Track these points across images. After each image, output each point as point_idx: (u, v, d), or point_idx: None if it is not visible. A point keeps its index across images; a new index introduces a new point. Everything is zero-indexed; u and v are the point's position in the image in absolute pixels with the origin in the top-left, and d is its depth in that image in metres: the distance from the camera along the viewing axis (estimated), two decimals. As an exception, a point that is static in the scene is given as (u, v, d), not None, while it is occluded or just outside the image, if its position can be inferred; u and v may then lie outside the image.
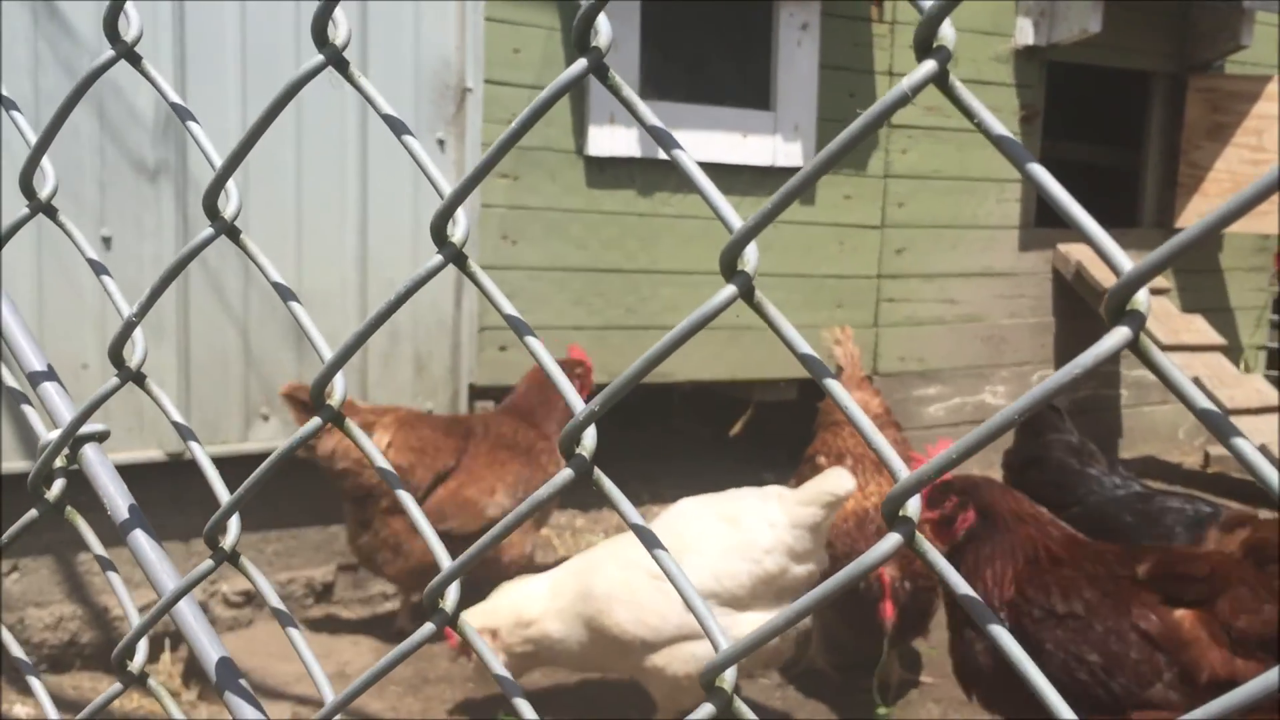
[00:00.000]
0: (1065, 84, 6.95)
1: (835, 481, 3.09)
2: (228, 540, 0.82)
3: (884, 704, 3.57)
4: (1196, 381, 5.80)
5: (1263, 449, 5.51)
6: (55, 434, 0.92)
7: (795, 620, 0.62)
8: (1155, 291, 6.44)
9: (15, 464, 3.86)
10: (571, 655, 3.22)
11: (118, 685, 0.90)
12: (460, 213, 0.75)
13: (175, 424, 0.87)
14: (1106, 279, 6.32)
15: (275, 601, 0.84)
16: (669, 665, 3.07)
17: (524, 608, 3.21)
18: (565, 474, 0.70)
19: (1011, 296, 6.48)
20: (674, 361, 5.48)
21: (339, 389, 0.79)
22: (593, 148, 5.14)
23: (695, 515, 3.18)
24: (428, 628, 0.76)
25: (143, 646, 0.89)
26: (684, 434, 6.78)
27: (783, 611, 0.63)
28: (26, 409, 0.97)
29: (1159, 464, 6.75)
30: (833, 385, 0.63)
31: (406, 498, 0.79)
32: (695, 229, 5.45)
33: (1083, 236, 0.58)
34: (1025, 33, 6.25)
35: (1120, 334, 0.56)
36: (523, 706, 0.77)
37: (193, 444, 0.87)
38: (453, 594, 0.76)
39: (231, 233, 0.86)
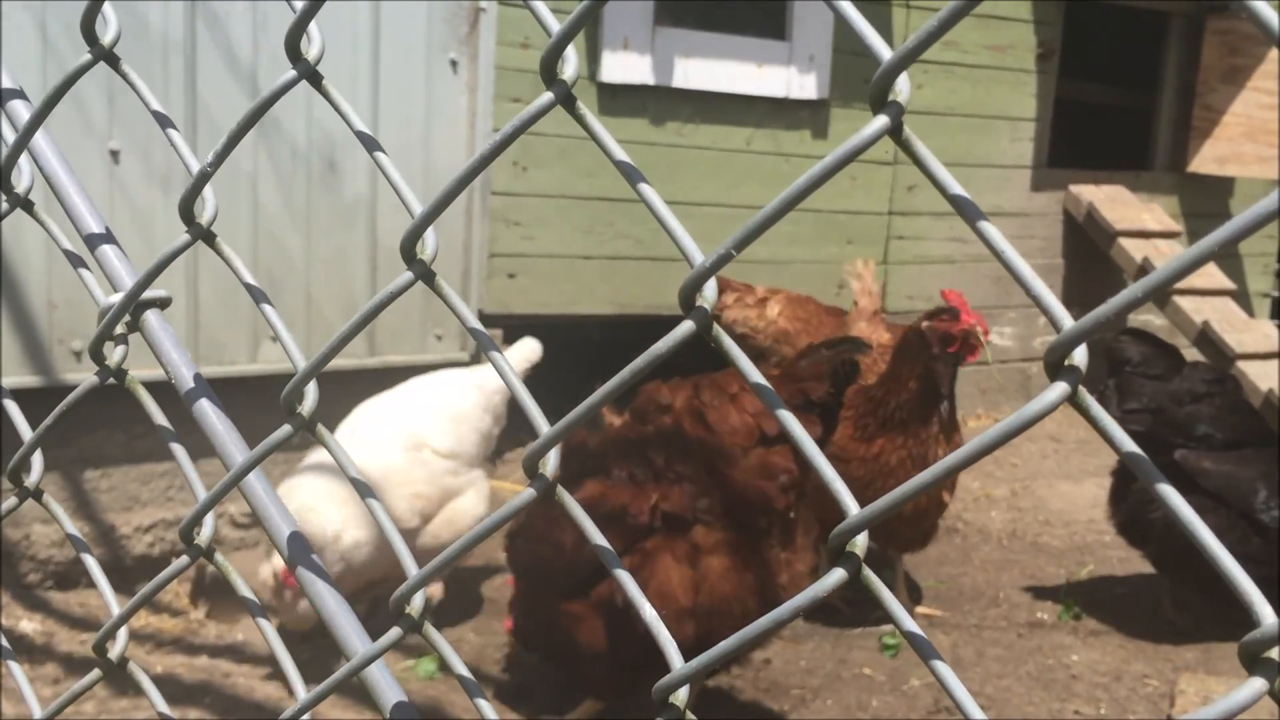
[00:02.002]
0: (1083, 22, 6.84)
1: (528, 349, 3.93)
2: (306, 406, 0.78)
3: (890, 638, 3.57)
4: (1206, 325, 5.79)
5: (1270, 393, 5.50)
6: (116, 297, 0.88)
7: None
8: (1167, 235, 6.40)
9: (17, 378, 3.81)
10: (374, 561, 3.41)
11: (184, 559, 0.86)
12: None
13: (247, 285, 0.83)
14: (1118, 220, 6.28)
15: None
16: (441, 534, 3.47)
17: (324, 527, 3.33)
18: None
19: (1022, 237, 6.42)
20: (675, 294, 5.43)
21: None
22: (605, 74, 5.05)
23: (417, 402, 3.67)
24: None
25: (209, 520, 0.85)
26: (685, 368, 6.75)
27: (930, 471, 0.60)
28: (84, 273, 0.93)
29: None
30: (985, 227, 0.59)
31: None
32: (708, 161, 5.38)
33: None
34: (1045, -32, 6.14)
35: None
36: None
37: (265, 306, 0.83)
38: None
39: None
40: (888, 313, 6.00)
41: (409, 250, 0.77)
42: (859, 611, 3.78)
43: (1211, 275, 6.32)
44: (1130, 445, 0.57)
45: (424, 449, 3.52)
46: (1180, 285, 6.05)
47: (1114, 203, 6.44)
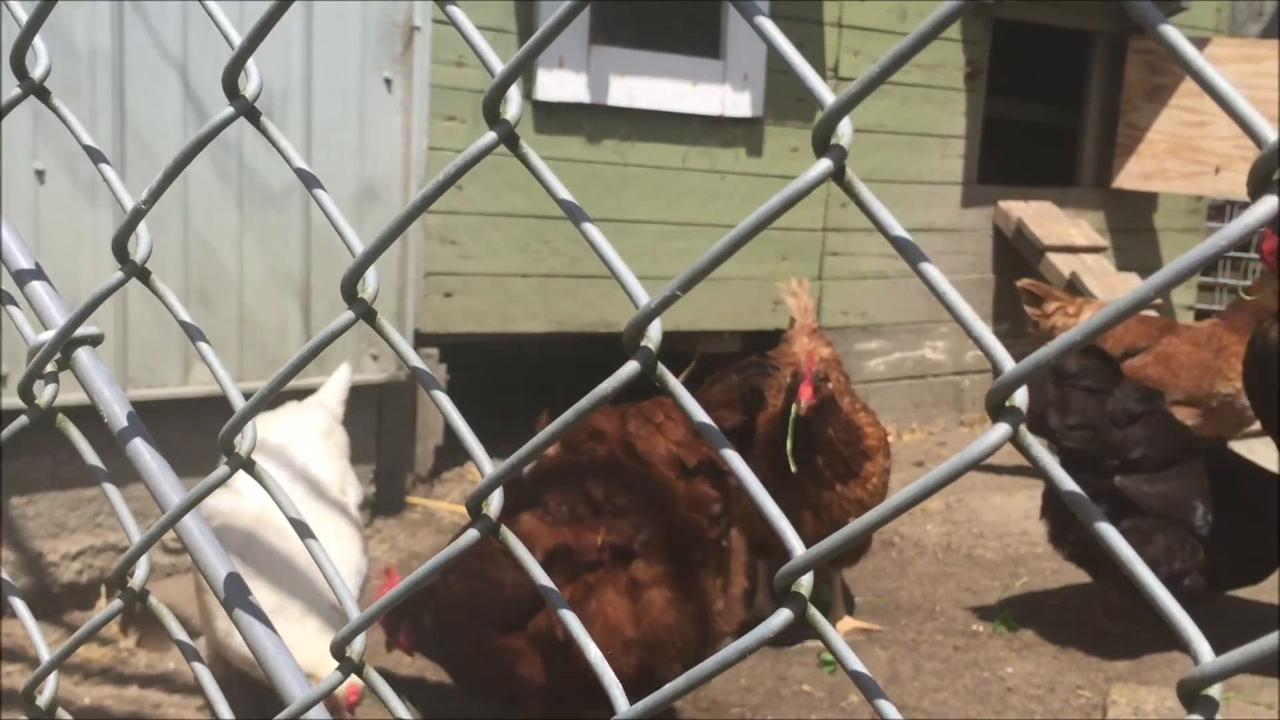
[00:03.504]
0: (1010, 42, 6.98)
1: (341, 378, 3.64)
2: (245, 445, 0.77)
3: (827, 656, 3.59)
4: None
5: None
6: (47, 335, 0.86)
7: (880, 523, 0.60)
8: (1093, 250, 6.53)
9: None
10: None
11: (117, 603, 0.84)
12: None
13: (183, 323, 0.82)
14: (1047, 236, 6.40)
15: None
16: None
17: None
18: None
19: (953, 252, 6.52)
20: (619, 313, 5.44)
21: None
22: (540, 92, 5.05)
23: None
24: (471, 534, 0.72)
25: (144, 563, 0.83)
26: (628, 387, 6.75)
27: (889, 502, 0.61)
28: (13, 310, 0.91)
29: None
30: (928, 269, 0.59)
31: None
32: (645, 179, 5.40)
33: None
34: (973, -12, 6.24)
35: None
36: None
37: (201, 345, 0.81)
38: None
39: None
40: (823, 329, 6.05)
41: (350, 290, 0.76)
42: (798, 628, 3.79)
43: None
44: (1070, 485, 0.58)
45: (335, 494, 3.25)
46: (1107, 298, 6.18)
47: (1042, 218, 6.56)
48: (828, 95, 0.61)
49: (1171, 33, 0.53)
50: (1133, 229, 7.28)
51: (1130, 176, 6.99)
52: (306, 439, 3.23)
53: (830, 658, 3.57)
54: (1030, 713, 3.27)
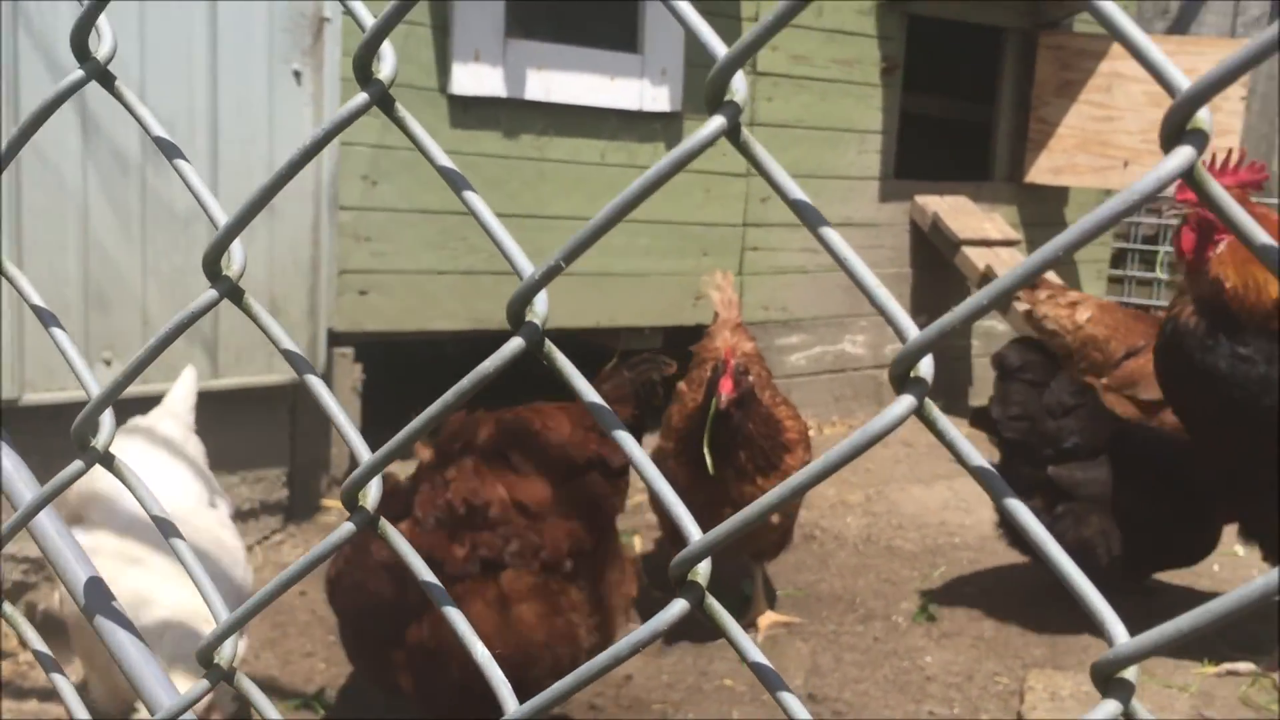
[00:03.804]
0: (925, 38, 7.04)
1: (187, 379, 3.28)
2: (101, 439, 0.71)
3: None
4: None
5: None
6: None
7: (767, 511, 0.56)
8: (1007, 244, 6.62)
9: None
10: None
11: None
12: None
13: (34, 307, 0.75)
14: (962, 230, 6.47)
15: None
16: None
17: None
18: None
19: (871, 247, 6.56)
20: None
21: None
22: (456, 86, 4.97)
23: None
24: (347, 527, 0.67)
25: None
26: (546, 385, 6.70)
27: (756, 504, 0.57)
28: None
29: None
30: (827, 233, 0.56)
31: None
32: (564, 174, 5.35)
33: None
34: (888, -16, 6.30)
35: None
36: None
37: (55, 330, 0.75)
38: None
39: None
40: (745, 323, 6.05)
41: (212, 266, 0.70)
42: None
43: (1049, 283, 6.56)
44: (977, 459, 0.55)
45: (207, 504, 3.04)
46: (1020, 292, 6.27)
47: (957, 213, 6.63)
48: (720, 48, 0.57)
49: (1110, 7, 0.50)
50: (1045, 223, 7.39)
51: (1042, 171, 7.10)
52: (159, 453, 2.96)
53: (752, 652, 3.55)
54: (949, 701, 3.28)
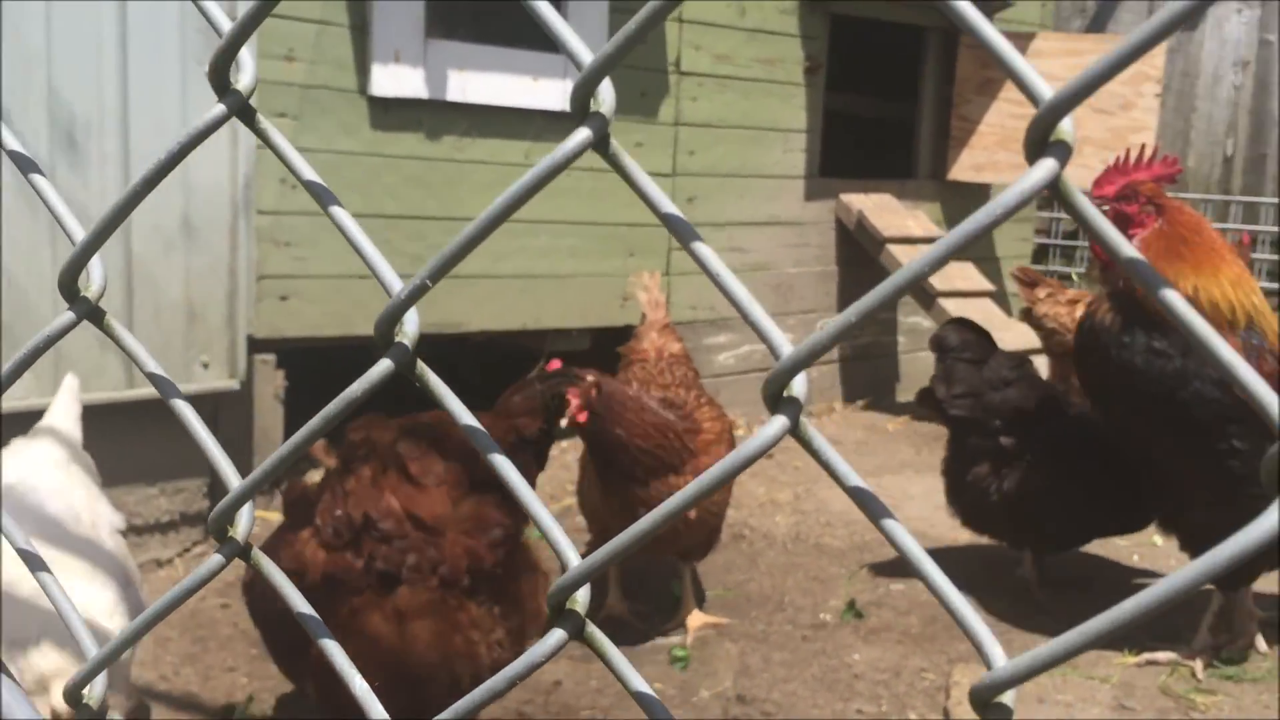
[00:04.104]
0: (847, 37, 7.10)
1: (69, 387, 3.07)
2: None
3: (681, 648, 3.57)
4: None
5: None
6: None
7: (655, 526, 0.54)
8: (930, 240, 6.69)
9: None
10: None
11: None
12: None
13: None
14: (886, 228, 6.53)
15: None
16: None
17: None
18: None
19: (797, 245, 6.60)
20: (465, 312, 5.34)
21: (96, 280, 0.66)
22: (376, 87, 4.91)
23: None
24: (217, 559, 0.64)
25: None
26: (475, 388, 6.64)
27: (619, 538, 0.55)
28: None
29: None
30: (700, 248, 0.54)
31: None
32: (487, 175, 5.30)
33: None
34: (810, -16, 6.33)
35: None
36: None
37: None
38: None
39: None
40: (673, 323, 6.05)
41: (69, 286, 0.67)
42: (649, 626, 3.77)
43: (971, 278, 6.65)
44: (854, 480, 0.54)
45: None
46: (943, 288, 6.35)
47: (882, 210, 6.69)
48: (585, 56, 0.55)
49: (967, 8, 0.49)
50: (1012, 185, 7.47)
51: (963, 168, 7.19)
52: (40, 475, 2.76)
53: (681, 653, 3.54)
54: (876, 698, 3.30)
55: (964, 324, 4.17)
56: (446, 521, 2.36)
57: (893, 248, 6.46)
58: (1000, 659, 0.50)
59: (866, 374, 7.08)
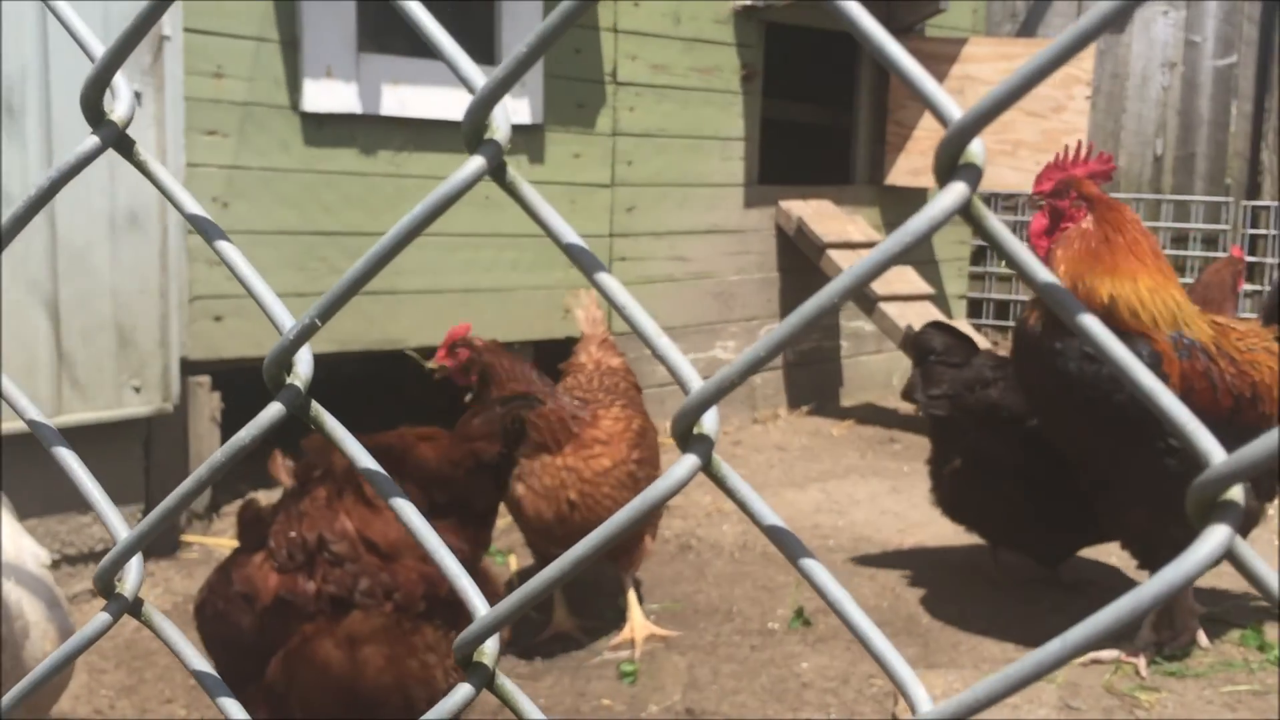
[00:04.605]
0: (783, 45, 7.13)
1: None
2: None
3: (630, 661, 3.54)
4: (910, 329, 6.10)
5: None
6: None
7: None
8: (869, 245, 6.72)
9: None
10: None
11: None
12: None
13: None
14: (826, 234, 6.55)
15: None
16: None
17: None
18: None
19: (738, 253, 6.61)
20: (405, 329, 5.28)
21: None
22: (308, 103, 4.84)
23: None
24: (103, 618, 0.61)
25: None
26: (418, 404, 6.56)
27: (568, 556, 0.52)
28: None
29: (877, 409, 7.08)
30: (604, 279, 0.52)
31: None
32: (425, 190, 5.25)
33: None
34: (744, -8, 6.35)
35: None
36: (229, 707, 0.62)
37: None
38: (132, 575, 0.61)
39: None
40: (614, 334, 6.03)
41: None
42: (596, 640, 3.73)
43: (912, 282, 6.69)
44: (771, 518, 0.52)
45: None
46: (884, 292, 6.38)
47: (821, 216, 6.72)
48: (478, 79, 0.53)
49: (855, 9, 0.47)
50: (921, 210, 7.53)
51: (901, 173, 7.24)
52: None
53: (629, 668, 3.51)
54: (825, 706, 3.29)
55: (943, 328, 4.25)
56: (401, 546, 2.32)
57: (833, 253, 6.49)
58: (925, 702, 0.48)
59: (811, 379, 7.10)
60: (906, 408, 7.12)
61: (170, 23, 4.32)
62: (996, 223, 0.45)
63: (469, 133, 0.53)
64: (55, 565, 4.12)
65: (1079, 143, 3.54)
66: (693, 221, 6.37)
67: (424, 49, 5.10)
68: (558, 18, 0.50)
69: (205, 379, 4.70)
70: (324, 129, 4.95)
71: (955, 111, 0.44)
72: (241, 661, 2.38)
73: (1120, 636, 3.50)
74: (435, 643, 2.34)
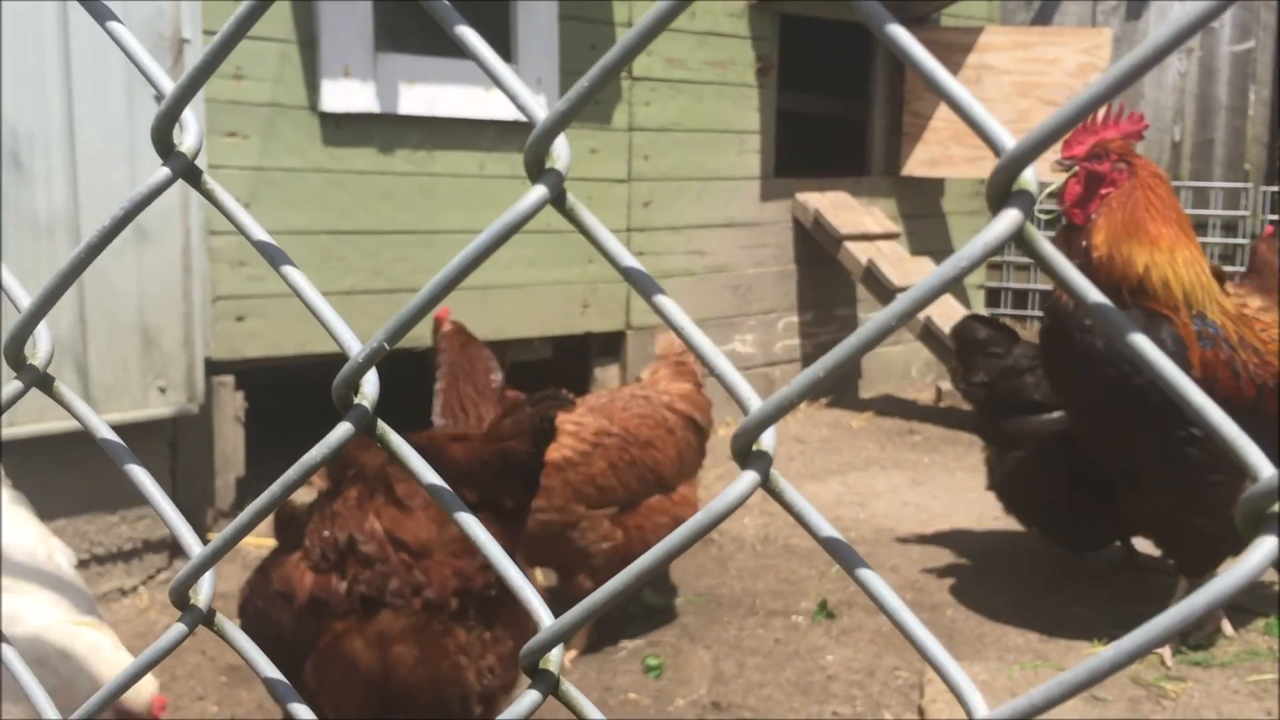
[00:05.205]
0: (798, 37, 7.12)
1: None
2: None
3: (656, 658, 3.56)
4: (929, 320, 6.10)
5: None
6: None
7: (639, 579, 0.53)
8: (887, 237, 6.73)
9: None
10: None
11: None
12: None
13: None
14: (843, 225, 6.55)
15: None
16: None
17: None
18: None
19: (755, 246, 6.61)
20: (426, 324, 5.30)
21: (43, 347, 0.64)
22: (327, 103, 4.86)
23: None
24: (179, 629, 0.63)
25: None
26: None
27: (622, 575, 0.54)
28: None
29: (896, 400, 7.08)
30: (663, 301, 0.53)
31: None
32: (444, 188, 5.28)
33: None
34: (758, -15, 6.35)
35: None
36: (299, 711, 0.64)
37: None
38: (205, 588, 0.63)
39: None
40: (632, 328, 6.05)
41: (16, 354, 0.65)
42: (621, 635, 3.75)
43: (930, 272, 6.68)
44: (827, 530, 0.53)
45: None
46: (902, 283, 6.37)
47: (838, 208, 6.72)
48: (539, 113, 0.54)
49: (903, 37, 0.49)
50: (923, 214, 7.53)
51: (917, 164, 7.23)
52: None
53: (655, 661, 3.54)
54: (851, 699, 3.31)
55: (985, 321, 4.35)
56: (432, 544, 2.34)
57: (850, 245, 6.49)
58: (980, 708, 0.50)
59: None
60: (926, 399, 7.14)
61: (190, 25, 4.35)
62: (1049, 247, 0.46)
63: (531, 162, 0.54)
64: (84, 564, 4.17)
65: (1109, 105, 3.45)
66: (709, 215, 6.38)
67: (440, 47, 5.13)
68: (620, 50, 0.52)
69: (229, 379, 4.74)
70: (342, 129, 4.98)
71: (1008, 140, 0.46)
72: (281, 659, 2.41)
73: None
74: (468, 645, 2.36)
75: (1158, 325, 3.26)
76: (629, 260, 0.55)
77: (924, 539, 4.65)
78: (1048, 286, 7.88)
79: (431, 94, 5.16)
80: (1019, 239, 0.46)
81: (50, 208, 4.01)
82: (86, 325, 4.13)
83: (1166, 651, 3.43)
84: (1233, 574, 0.44)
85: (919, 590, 4.09)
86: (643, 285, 0.55)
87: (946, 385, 6.99)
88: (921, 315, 6.13)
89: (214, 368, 4.67)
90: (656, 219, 6.11)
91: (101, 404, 4.19)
